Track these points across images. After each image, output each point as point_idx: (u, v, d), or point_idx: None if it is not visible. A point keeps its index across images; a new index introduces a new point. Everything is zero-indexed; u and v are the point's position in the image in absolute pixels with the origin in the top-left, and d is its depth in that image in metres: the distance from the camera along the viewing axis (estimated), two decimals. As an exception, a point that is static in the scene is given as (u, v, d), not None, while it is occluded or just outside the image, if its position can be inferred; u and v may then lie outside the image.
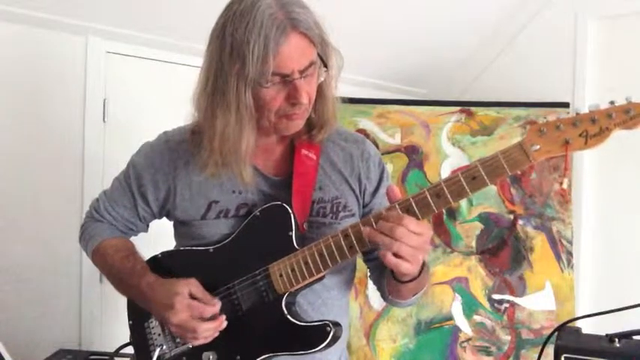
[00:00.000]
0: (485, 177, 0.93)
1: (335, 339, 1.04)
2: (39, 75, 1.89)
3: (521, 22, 2.86)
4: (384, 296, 1.19)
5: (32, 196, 1.88)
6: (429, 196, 0.95)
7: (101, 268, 1.24)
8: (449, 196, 0.94)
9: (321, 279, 1.06)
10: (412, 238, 0.93)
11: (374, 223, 0.98)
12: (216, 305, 1.05)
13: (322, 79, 1.05)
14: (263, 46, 0.94)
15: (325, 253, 1.02)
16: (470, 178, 0.93)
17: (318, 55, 1.03)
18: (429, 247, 0.97)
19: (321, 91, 1.08)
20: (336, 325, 1.05)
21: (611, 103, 0.89)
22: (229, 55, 0.98)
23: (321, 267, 1.03)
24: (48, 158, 1.91)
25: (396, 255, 0.93)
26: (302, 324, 1.05)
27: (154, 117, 2.04)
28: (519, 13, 2.81)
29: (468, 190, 0.94)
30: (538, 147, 0.92)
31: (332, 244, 1.01)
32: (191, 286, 1.06)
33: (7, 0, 1.74)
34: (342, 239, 1.01)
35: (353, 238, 1.00)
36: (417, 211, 0.96)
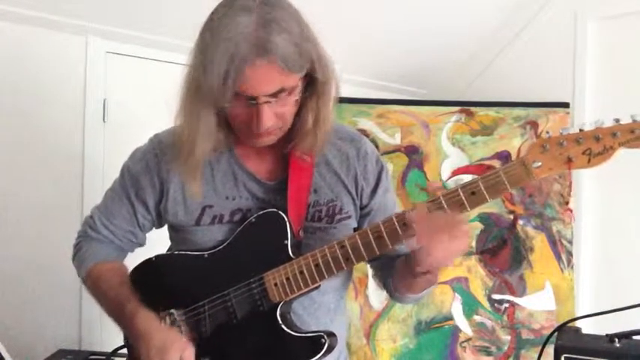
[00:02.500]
0: (485, 192, 0.92)
1: (330, 349, 1.03)
2: (39, 75, 1.89)
3: (521, 23, 2.86)
4: (390, 293, 1.17)
5: (32, 196, 1.88)
6: (427, 210, 0.94)
7: (92, 294, 1.19)
8: (448, 210, 0.93)
9: (316, 288, 1.05)
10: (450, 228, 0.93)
11: (371, 235, 0.97)
12: None
13: (295, 98, 0.99)
14: (226, 64, 0.90)
15: (321, 264, 1.01)
16: (469, 193, 0.92)
17: (309, 75, 0.99)
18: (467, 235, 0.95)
19: (304, 108, 1.04)
20: (331, 335, 1.05)
21: (616, 120, 0.87)
22: (199, 65, 0.94)
23: (317, 278, 1.02)
24: (48, 158, 1.91)
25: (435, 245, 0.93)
26: (297, 334, 1.04)
27: (154, 117, 2.03)
28: (519, 14, 2.81)
29: (467, 206, 0.93)
30: (540, 164, 0.90)
31: (328, 255, 1.00)
32: (185, 351, 1.02)
33: (7, 0, 1.74)
34: (338, 250, 1.00)
35: (349, 250, 0.99)
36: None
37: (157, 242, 1.25)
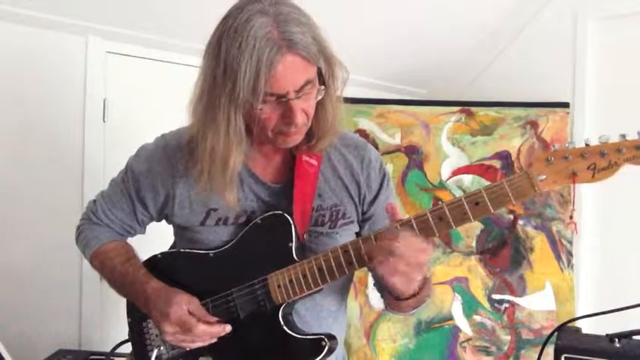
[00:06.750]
0: (489, 204, 0.92)
1: (330, 352, 1.05)
2: (39, 75, 1.89)
3: (521, 23, 2.86)
4: (386, 305, 1.18)
5: (32, 196, 1.88)
6: (430, 218, 0.94)
7: (101, 272, 1.22)
8: (451, 220, 0.93)
9: (319, 291, 1.06)
10: (410, 255, 0.91)
11: (374, 241, 0.97)
12: (212, 327, 1.05)
13: (320, 96, 1.02)
14: (255, 67, 0.91)
15: (324, 268, 1.02)
16: (473, 204, 0.93)
17: (319, 69, 1.00)
18: (427, 265, 0.94)
19: (322, 103, 1.05)
20: (332, 338, 1.06)
21: (622, 136, 0.87)
22: (222, 73, 0.94)
23: (320, 281, 1.03)
24: (48, 158, 1.91)
25: (392, 272, 0.92)
26: (298, 336, 1.05)
27: (154, 117, 2.04)
28: (519, 14, 2.81)
29: (471, 216, 0.93)
30: (544, 177, 0.91)
31: (331, 259, 1.01)
32: (191, 304, 1.05)
33: (7, 0, 1.74)
34: (341, 255, 1.00)
35: (352, 255, 0.99)
36: (417, 233, 0.94)
37: (158, 239, 1.25)
